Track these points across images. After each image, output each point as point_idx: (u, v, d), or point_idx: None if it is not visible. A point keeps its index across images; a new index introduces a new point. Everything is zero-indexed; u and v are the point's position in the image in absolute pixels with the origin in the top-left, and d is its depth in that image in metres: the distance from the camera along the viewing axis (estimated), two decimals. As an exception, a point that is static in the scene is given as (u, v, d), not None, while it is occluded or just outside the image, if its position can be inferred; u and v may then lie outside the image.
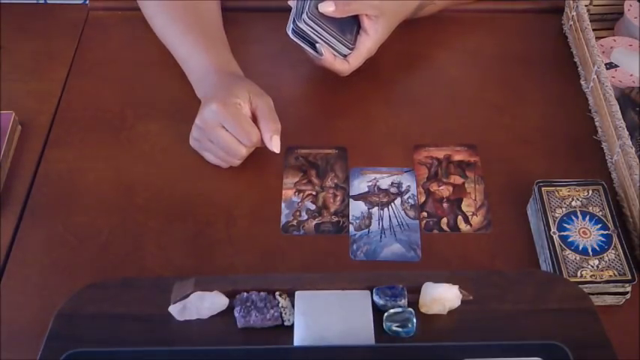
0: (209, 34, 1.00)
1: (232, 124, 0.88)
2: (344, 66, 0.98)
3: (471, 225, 0.88)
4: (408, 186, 0.92)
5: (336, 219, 0.89)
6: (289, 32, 0.95)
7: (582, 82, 1.02)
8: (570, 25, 1.07)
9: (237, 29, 1.10)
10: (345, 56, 0.98)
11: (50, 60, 1.08)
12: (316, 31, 0.94)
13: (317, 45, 0.95)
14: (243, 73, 0.97)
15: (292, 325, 0.69)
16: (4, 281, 0.84)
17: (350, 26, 0.97)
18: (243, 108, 0.89)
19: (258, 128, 0.89)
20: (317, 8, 0.93)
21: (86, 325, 0.69)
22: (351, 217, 0.89)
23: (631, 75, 0.98)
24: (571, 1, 1.06)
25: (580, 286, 0.75)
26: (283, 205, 0.91)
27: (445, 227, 0.88)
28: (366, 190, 0.92)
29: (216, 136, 0.89)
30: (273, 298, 0.69)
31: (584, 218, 0.83)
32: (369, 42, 0.97)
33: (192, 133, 0.93)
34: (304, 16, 0.93)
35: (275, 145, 0.90)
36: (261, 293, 0.70)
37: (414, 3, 1.03)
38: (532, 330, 0.68)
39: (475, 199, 0.91)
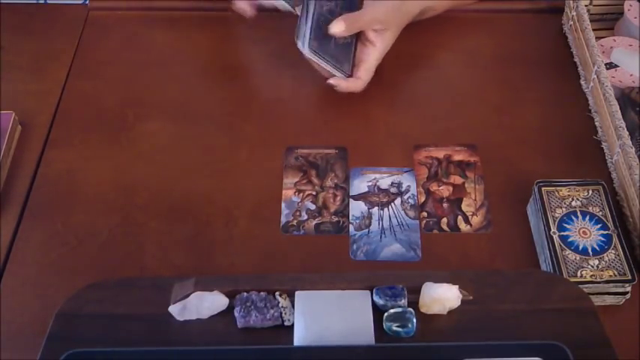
0: None
1: None
2: (357, 83, 0.98)
3: (471, 225, 0.88)
4: (408, 186, 0.92)
5: (336, 219, 0.89)
6: (305, 49, 0.95)
7: (582, 82, 1.02)
8: (570, 25, 1.07)
9: (238, 29, 1.10)
10: None
11: (50, 60, 1.08)
12: (316, 62, 0.96)
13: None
14: (244, 73, 0.97)
15: (292, 325, 0.69)
16: (4, 281, 0.84)
17: (346, 55, 0.97)
18: None
19: None
20: (315, 40, 0.94)
21: (86, 325, 0.69)
22: (351, 217, 0.89)
23: (631, 75, 0.98)
24: (571, 1, 1.06)
25: (580, 286, 0.75)
26: (283, 205, 0.90)
27: (445, 227, 0.88)
28: (366, 190, 0.92)
29: None
30: (273, 298, 0.69)
31: (584, 218, 0.83)
32: (376, 53, 0.98)
33: None
34: (305, 49, 0.94)
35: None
36: (261, 293, 0.70)
37: (417, 7, 1.03)
38: (532, 330, 0.68)
39: (475, 199, 0.91)
